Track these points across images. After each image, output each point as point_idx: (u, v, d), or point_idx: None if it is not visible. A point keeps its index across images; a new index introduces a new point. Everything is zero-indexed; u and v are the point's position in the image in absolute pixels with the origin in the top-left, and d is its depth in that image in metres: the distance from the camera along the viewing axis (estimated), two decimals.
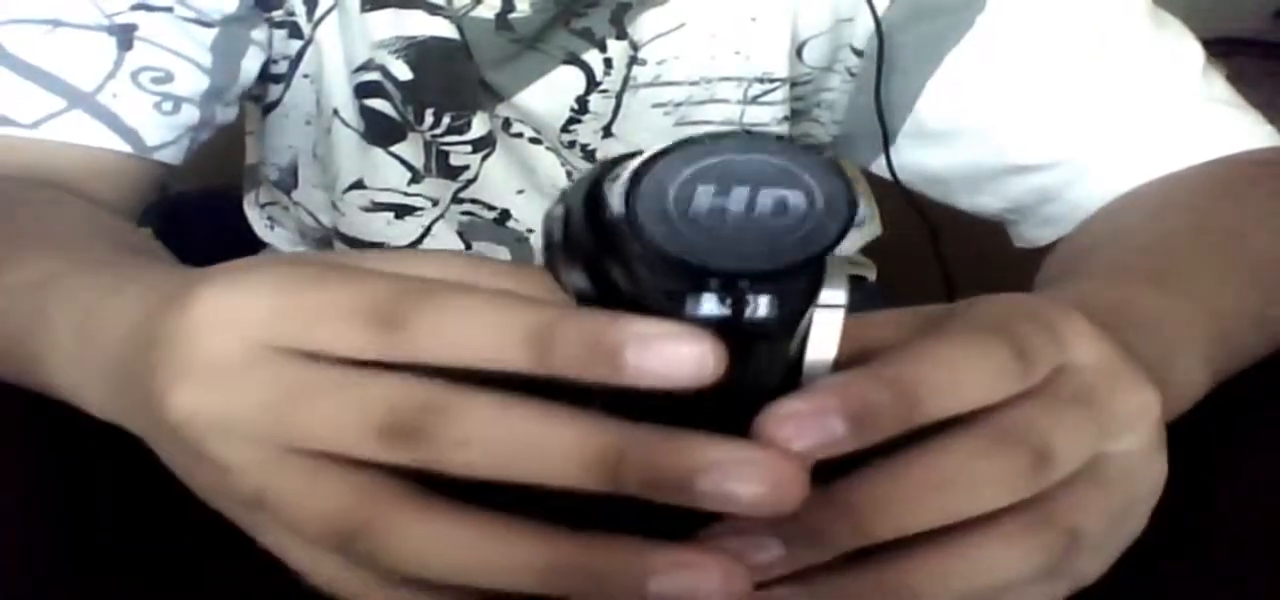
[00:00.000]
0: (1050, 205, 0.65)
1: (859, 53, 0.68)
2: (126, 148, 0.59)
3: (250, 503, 0.29)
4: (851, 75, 0.69)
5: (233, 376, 0.29)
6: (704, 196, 0.26)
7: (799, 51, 0.68)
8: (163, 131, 0.61)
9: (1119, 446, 0.32)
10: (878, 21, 0.64)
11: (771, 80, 0.68)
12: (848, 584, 0.29)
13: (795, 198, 0.26)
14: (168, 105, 0.60)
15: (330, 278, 0.28)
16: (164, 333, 0.30)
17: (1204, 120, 0.61)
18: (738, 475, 0.25)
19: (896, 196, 0.72)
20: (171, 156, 0.62)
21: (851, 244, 0.92)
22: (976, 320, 0.31)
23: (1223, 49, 1.64)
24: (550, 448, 0.26)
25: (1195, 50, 0.63)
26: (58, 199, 0.54)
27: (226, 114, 0.65)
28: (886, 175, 0.70)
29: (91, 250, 0.45)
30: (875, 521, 0.28)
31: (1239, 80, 0.65)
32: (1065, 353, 0.32)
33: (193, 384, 0.29)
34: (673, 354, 0.25)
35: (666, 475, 0.25)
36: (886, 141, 0.68)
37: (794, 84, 0.69)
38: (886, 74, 0.66)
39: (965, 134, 0.66)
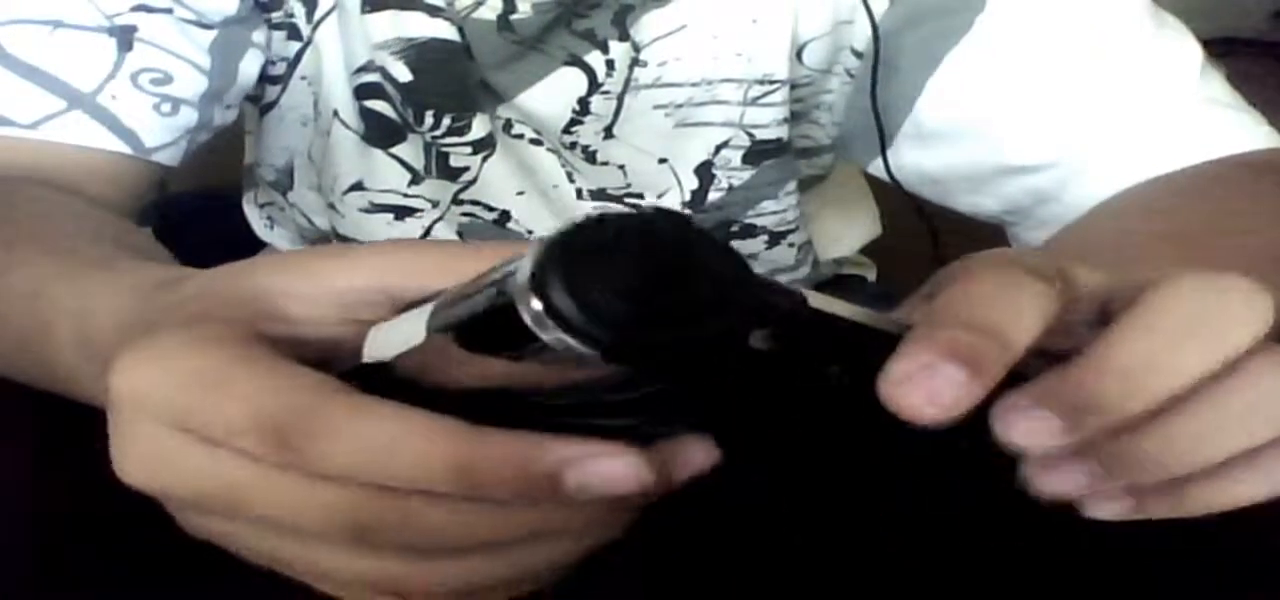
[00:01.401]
0: (1048, 206, 0.65)
1: (858, 55, 0.68)
2: (125, 149, 0.59)
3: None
4: (851, 77, 0.69)
5: (150, 450, 0.28)
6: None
7: (799, 54, 0.68)
8: (161, 133, 0.61)
9: None
10: (874, 23, 0.65)
11: (772, 82, 0.68)
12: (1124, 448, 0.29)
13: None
14: (166, 107, 0.60)
15: (234, 381, 0.26)
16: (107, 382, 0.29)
17: (1202, 121, 0.61)
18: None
19: (896, 197, 0.72)
20: (169, 158, 0.62)
21: (851, 244, 0.92)
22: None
23: (1223, 49, 1.64)
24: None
25: (1194, 50, 0.63)
26: (58, 200, 0.54)
27: (225, 116, 0.65)
28: (884, 177, 0.71)
29: (91, 252, 0.45)
30: (1152, 380, 0.28)
31: (1239, 80, 0.65)
32: None
33: (118, 444, 0.28)
34: (608, 471, 0.25)
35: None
36: (883, 143, 0.68)
37: (794, 86, 0.69)
38: (885, 75, 0.66)
39: (963, 135, 0.66)
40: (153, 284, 0.34)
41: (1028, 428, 0.27)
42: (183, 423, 0.27)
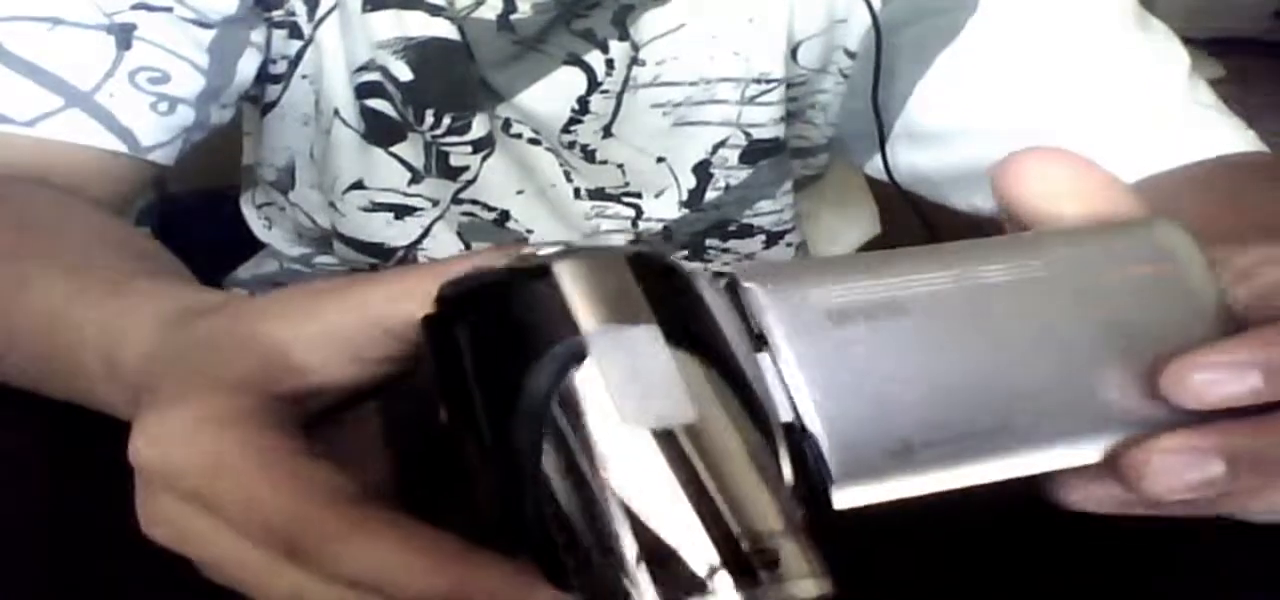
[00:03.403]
0: None
1: (852, 55, 0.68)
2: (121, 147, 0.59)
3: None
4: (844, 77, 0.70)
5: (170, 517, 0.29)
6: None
7: (794, 52, 0.68)
8: (157, 132, 0.61)
9: None
10: (876, 19, 0.65)
11: (768, 81, 0.68)
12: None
13: None
14: (163, 106, 0.60)
15: (249, 482, 0.28)
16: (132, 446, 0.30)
17: (1190, 123, 0.62)
18: None
19: (894, 196, 0.72)
20: (165, 157, 0.62)
21: (850, 242, 0.92)
22: None
23: (1223, 49, 1.63)
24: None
25: (1181, 55, 0.64)
26: (66, 207, 0.54)
27: (221, 116, 0.65)
28: (882, 176, 0.71)
29: (106, 267, 0.45)
30: None
31: (1239, 80, 0.66)
32: None
33: (141, 505, 0.30)
34: None
35: None
36: (882, 141, 0.68)
37: (789, 85, 0.69)
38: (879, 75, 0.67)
39: (955, 135, 0.66)
40: (174, 315, 0.35)
41: (1214, 377, 0.27)
42: (200, 502, 0.28)
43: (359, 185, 0.71)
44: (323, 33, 0.66)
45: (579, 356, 0.25)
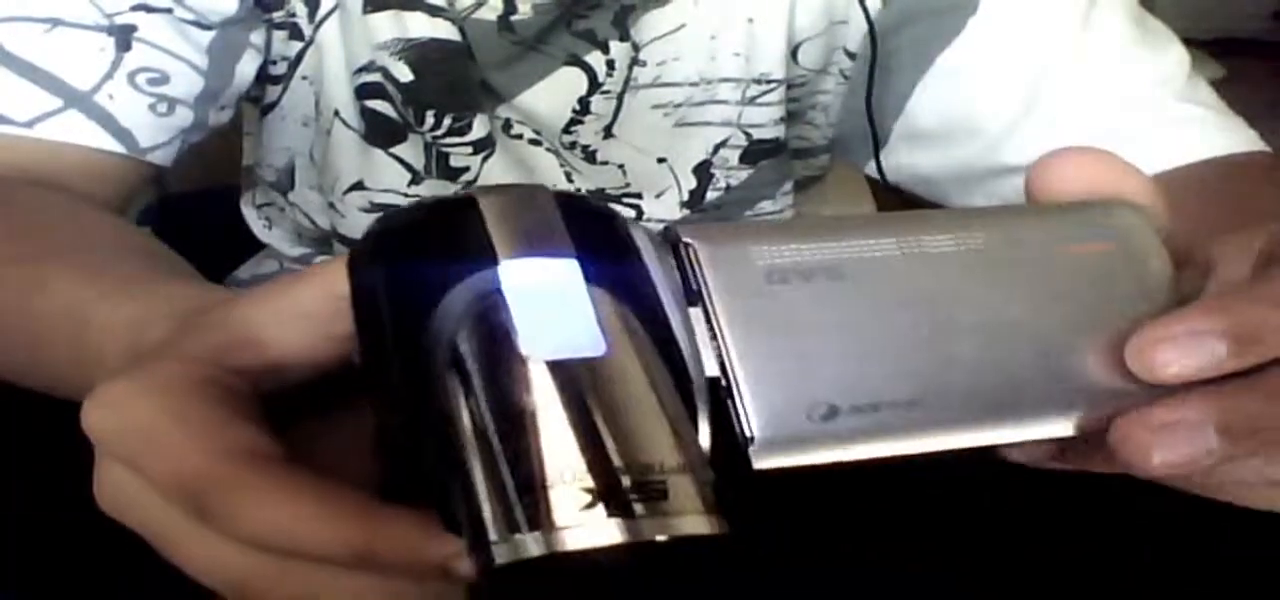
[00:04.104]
0: None
1: (852, 55, 0.68)
2: (120, 148, 0.59)
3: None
4: (845, 78, 0.70)
5: (110, 484, 0.29)
6: None
7: (794, 53, 0.68)
8: (156, 133, 0.61)
9: None
10: (871, 22, 0.65)
11: (769, 82, 0.68)
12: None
13: None
14: (162, 107, 0.60)
15: (168, 438, 0.28)
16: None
17: (1191, 123, 0.62)
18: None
19: (894, 195, 0.72)
20: (163, 158, 0.62)
21: None
22: None
23: (1222, 49, 1.63)
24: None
25: (1182, 55, 0.64)
26: (75, 210, 0.54)
27: (220, 117, 0.65)
28: (879, 178, 0.71)
29: (123, 268, 0.45)
30: None
31: (1239, 80, 0.66)
32: None
33: (95, 474, 0.30)
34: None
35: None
36: (876, 144, 0.69)
37: (789, 86, 0.69)
38: (879, 76, 0.67)
39: (955, 135, 0.66)
40: (186, 313, 0.35)
41: (1184, 348, 0.27)
42: (132, 465, 0.28)
43: (359, 186, 0.71)
44: (323, 33, 0.66)
45: (492, 287, 0.25)
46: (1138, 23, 0.65)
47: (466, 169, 0.70)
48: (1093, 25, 0.64)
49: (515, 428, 0.24)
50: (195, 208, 0.90)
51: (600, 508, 0.23)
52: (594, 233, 0.27)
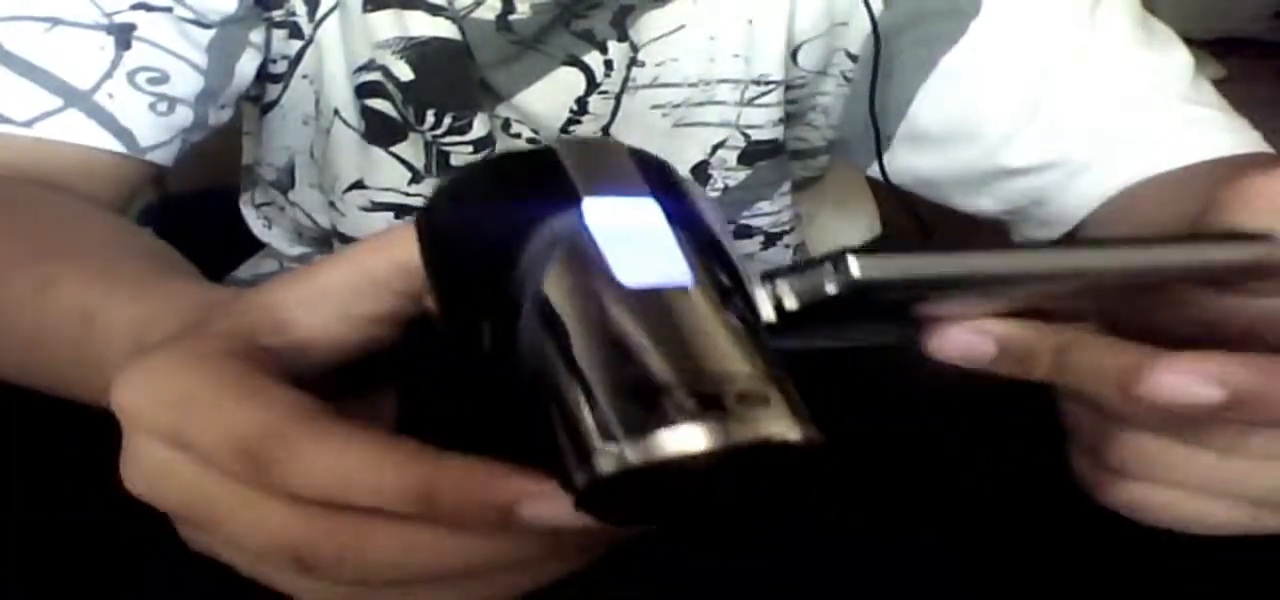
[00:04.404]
0: (1044, 207, 0.65)
1: (853, 57, 0.68)
2: (120, 148, 0.59)
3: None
4: (846, 80, 0.70)
5: (148, 463, 0.29)
6: None
7: (794, 55, 0.68)
8: (156, 132, 0.60)
9: None
10: (875, 24, 0.65)
11: (768, 83, 0.68)
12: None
13: None
14: (162, 106, 0.60)
15: (216, 402, 0.28)
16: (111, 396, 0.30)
17: (1194, 124, 0.62)
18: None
19: (895, 197, 0.72)
20: (163, 157, 0.62)
21: (850, 242, 0.92)
22: None
23: (1223, 49, 1.63)
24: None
25: (1185, 56, 0.64)
26: (79, 210, 0.54)
27: (220, 116, 0.65)
28: (882, 179, 0.71)
29: (129, 268, 0.45)
30: None
31: (1239, 80, 0.66)
32: None
33: (123, 456, 0.30)
34: (560, 509, 0.25)
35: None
36: (879, 146, 0.69)
37: (788, 87, 0.69)
38: (881, 78, 0.67)
39: (959, 137, 0.66)
40: (194, 311, 0.35)
41: (1180, 381, 0.28)
42: (173, 439, 0.28)
43: (359, 185, 0.71)
44: (323, 32, 0.66)
45: (578, 224, 0.26)
46: (1141, 24, 0.65)
47: None
48: (1096, 26, 0.64)
49: (613, 350, 0.25)
50: (195, 208, 0.90)
51: (701, 414, 0.23)
52: (662, 179, 0.28)
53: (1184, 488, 0.31)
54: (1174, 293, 0.32)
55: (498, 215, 0.27)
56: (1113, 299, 0.31)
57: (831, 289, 0.27)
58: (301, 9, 0.65)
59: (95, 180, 0.59)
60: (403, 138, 0.69)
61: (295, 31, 0.66)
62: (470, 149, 0.69)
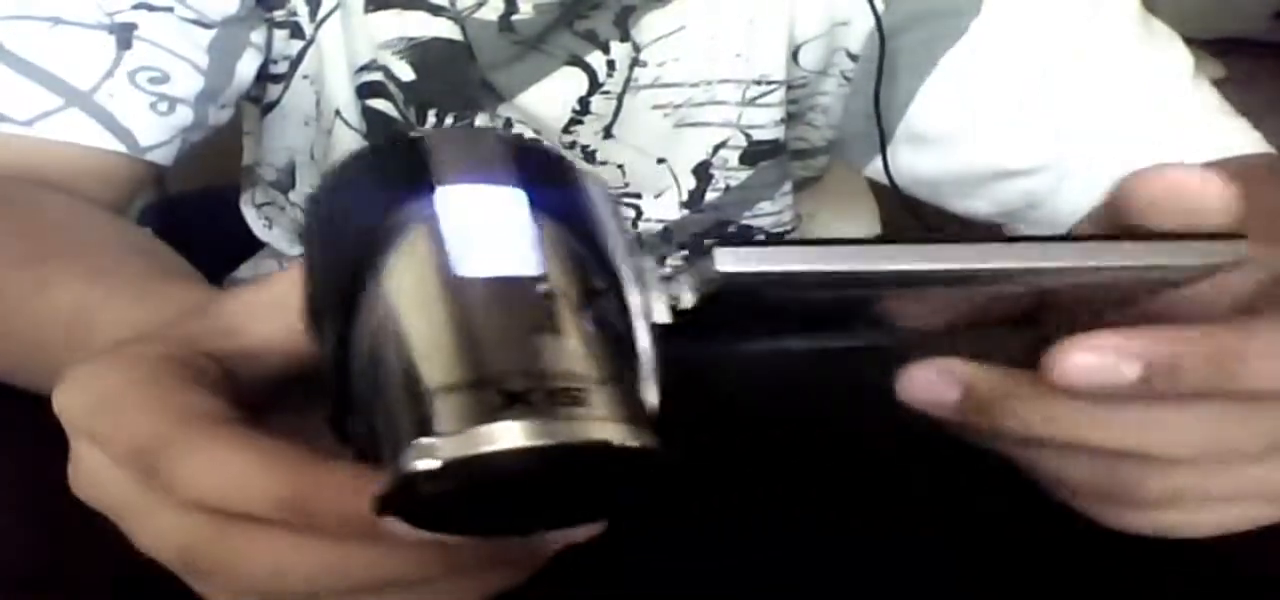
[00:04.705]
0: (1038, 209, 0.66)
1: (853, 57, 0.68)
2: (120, 147, 0.59)
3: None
4: (846, 80, 0.70)
5: (81, 465, 0.29)
6: None
7: (794, 55, 0.68)
8: (156, 132, 0.60)
9: None
10: (880, 23, 0.65)
11: (769, 83, 0.68)
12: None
13: None
14: (163, 106, 0.60)
15: (125, 405, 0.28)
16: None
17: (1194, 125, 0.62)
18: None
19: (894, 195, 0.72)
20: (163, 157, 0.62)
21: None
22: None
23: (1223, 49, 1.63)
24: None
25: (1185, 57, 0.64)
26: (77, 210, 0.54)
27: (220, 116, 0.65)
28: (882, 179, 0.71)
29: (127, 269, 0.45)
30: (1252, 369, 0.28)
31: (1239, 80, 0.66)
32: None
33: (70, 466, 0.30)
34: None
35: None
36: (883, 145, 0.68)
37: (789, 87, 0.69)
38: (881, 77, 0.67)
39: (957, 138, 0.66)
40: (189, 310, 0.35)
41: (1094, 361, 0.27)
42: (92, 440, 0.28)
43: None
44: (324, 33, 0.66)
45: (427, 211, 0.25)
46: (1141, 24, 0.65)
47: None
48: (1096, 26, 0.64)
49: (436, 339, 0.24)
50: (195, 208, 0.90)
51: (516, 411, 0.22)
52: (541, 168, 0.27)
53: (1227, 501, 0.30)
54: (1137, 299, 0.31)
55: (356, 206, 0.26)
56: (1067, 307, 0.30)
57: (707, 282, 0.26)
58: (303, 9, 0.65)
59: (95, 180, 0.59)
60: None
61: (296, 32, 0.66)
62: None
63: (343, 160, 0.28)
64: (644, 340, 0.26)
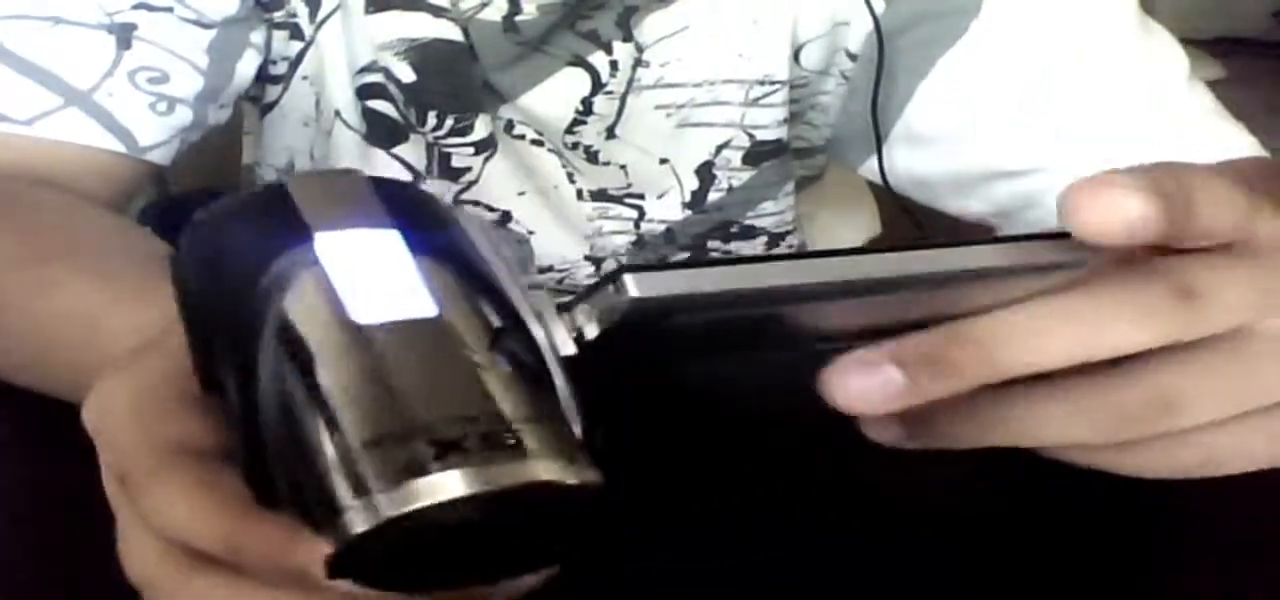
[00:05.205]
0: (1033, 211, 0.66)
1: (853, 57, 0.68)
2: (120, 147, 0.59)
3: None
4: (845, 79, 0.70)
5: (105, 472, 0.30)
6: None
7: (796, 55, 0.68)
8: (156, 132, 0.61)
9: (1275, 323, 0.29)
10: (878, 24, 0.65)
11: (772, 83, 0.68)
12: (964, 423, 0.29)
13: None
14: (162, 106, 0.60)
15: (120, 424, 0.29)
16: None
17: (1189, 127, 0.62)
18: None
19: (891, 196, 0.72)
20: (162, 157, 0.62)
21: (849, 242, 0.92)
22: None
23: (1223, 49, 1.63)
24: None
25: (1181, 60, 0.64)
26: (80, 210, 0.54)
27: (219, 116, 0.65)
28: (877, 179, 0.71)
29: (131, 270, 0.45)
30: (1005, 353, 0.27)
31: (1239, 80, 0.66)
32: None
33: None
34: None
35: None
36: (879, 145, 0.69)
37: (791, 86, 0.69)
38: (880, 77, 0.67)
39: (953, 139, 0.66)
40: None
41: (856, 380, 0.27)
42: (101, 455, 0.29)
43: None
44: (324, 34, 0.66)
45: (310, 260, 0.25)
46: (1140, 24, 0.65)
47: (468, 169, 0.70)
48: (1094, 28, 0.64)
49: (353, 392, 0.23)
50: (195, 208, 0.90)
51: (452, 459, 0.22)
52: (414, 209, 0.27)
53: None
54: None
55: (230, 255, 0.26)
56: (965, 311, 0.28)
57: (611, 310, 0.25)
58: (302, 10, 0.65)
59: (95, 179, 0.59)
60: (404, 139, 0.69)
61: (296, 33, 0.66)
62: (471, 150, 0.69)
63: (205, 211, 0.27)
64: (558, 375, 0.25)
